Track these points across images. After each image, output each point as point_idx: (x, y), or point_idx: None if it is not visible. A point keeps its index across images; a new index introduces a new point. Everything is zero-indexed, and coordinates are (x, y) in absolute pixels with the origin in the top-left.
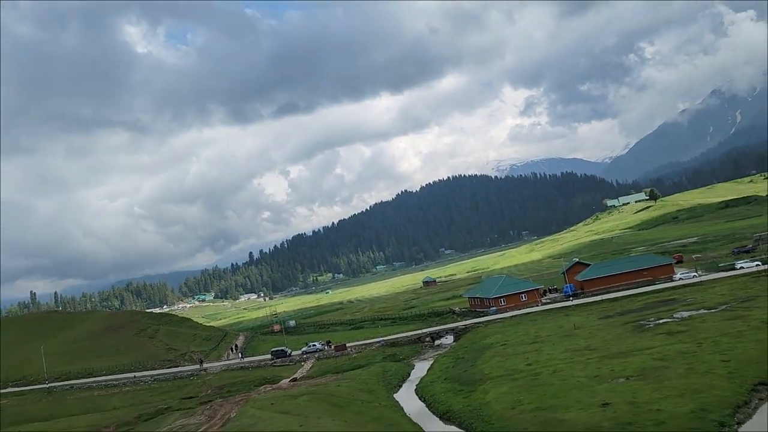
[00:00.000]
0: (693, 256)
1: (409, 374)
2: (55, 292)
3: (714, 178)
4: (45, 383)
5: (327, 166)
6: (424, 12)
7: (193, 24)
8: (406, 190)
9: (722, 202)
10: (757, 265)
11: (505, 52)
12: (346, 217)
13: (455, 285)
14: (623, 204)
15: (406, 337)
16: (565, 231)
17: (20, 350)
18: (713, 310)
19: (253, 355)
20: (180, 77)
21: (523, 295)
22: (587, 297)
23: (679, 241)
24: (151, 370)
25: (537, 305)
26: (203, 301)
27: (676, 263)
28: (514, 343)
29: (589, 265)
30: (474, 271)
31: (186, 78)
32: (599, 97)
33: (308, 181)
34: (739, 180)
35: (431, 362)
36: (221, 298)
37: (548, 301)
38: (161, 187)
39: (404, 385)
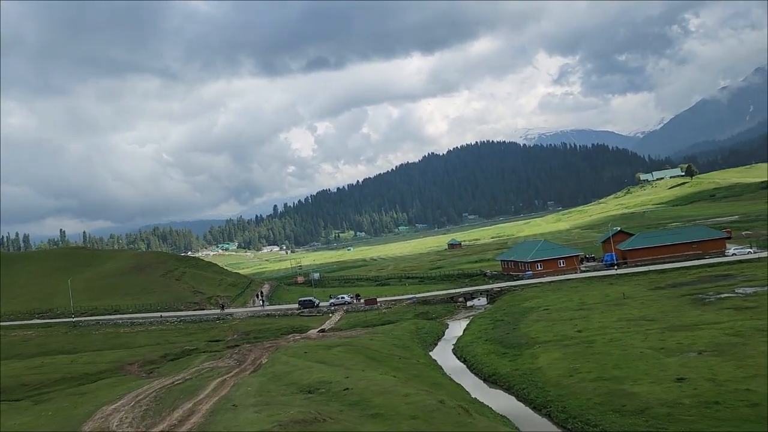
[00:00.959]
0: (743, 233)
1: (444, 333)
2: (84, 232)
3: (752, 159)
4: (71, 317)
5: (354, 124)
6: None
7: None
8: (432, 153)
9: (764, 182)
10: None
11: (543, 18)
12: (371, 176)
13: (481, 249)
14: (657, 179)
15: (438, 296)
16: (593, 203)
17: (47, 283)
18: None
19: (279, 304)
20: (212, 26)
21: (561, 261)
22: (630, 267)
23: (717, 219)
24: (177, 311)
25: (575, 272)
26: (227, 250)
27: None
28: (557, 309)
29: (631, 234)
30: (498, 236)
31: (217, 27)
32: (637, 69)
33: (334, 138)
34: None
35: (466, 323)
36: (244, 248)
37: (586, 269)
38: (189, 135)
39: (439, 344)
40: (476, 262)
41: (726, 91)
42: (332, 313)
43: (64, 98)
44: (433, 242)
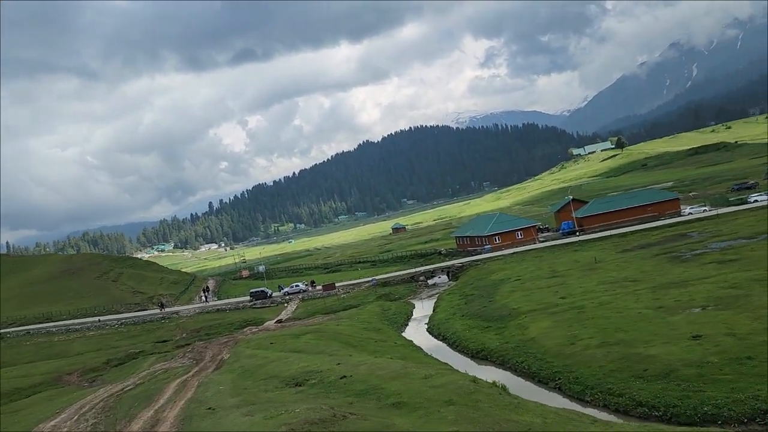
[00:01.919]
0: (690, 194)
1: (412, 313)
2: (7, 242)
3: (672, 130)
4: None
5: (285, 116)
6: None
7: None
8: (367, 141)
9: (691, 149)
10: None
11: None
12: (307, 168)
13: (427, 231)
14: (589, 153)
15: (398, 276)
16: (530, 180)
17: None
18: (754, 240)
19: (228, 298)
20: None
21: (519, 233)
22: (589, 234)
23: (652, 187)
24: (117, 314)
25: (534, 243)
26: (162, 251)
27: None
28: (530, 278)
29: (585, 202)
30: (441, 218)
31: (136, 22)
32: (559, 48)
33: (266, 132)
34: (701, 129)
35: (433, 301)
36: (181, 248)
37: (544, 239)
38: (114, 136)
39: (410, 324)
40: (426, 242)
41: (644, 67)
42: (287, 302)
43: None
44: (376, 229)
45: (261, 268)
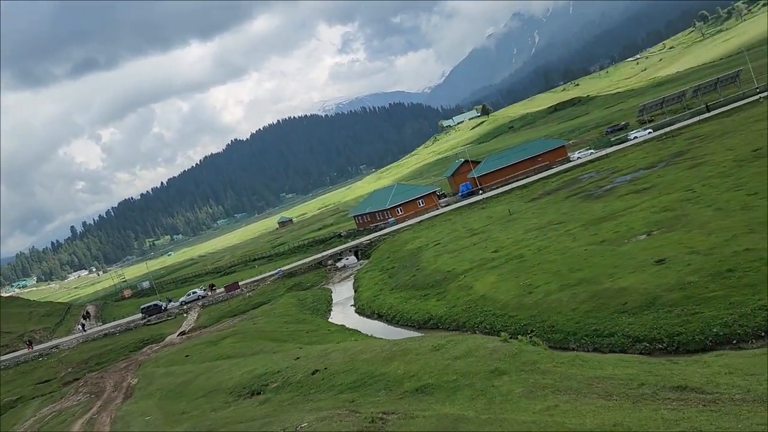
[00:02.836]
0: (570, 142)
1: (331, 298)
2: None
3: (527, 94)
4: None
5: (142, 125)
6: None
7: None
8: (236, 140)
9: (550, 107)
10: (649, 132)
11: None
12: (176, 175)
13: (316, 219)
14: (458, 123)
15: (305, 264)
16: (406, 156)
17: None
18: (655, 168)
19: (114, 321)
20: None
21: (420, 201)
22: (489, 192)
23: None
24: None
25: (437, 209)
26: (24, 287)
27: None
28: (449, 240)
29: (477, 162)
30: (326, 206)
31: None
32: (412, 28)
33: (124, 144)
34: (553, 90)
35: (349, 283)
36: (46, 280)
37: (446, 203)
38: None
39: (334, 309)
40: (320, 229)
41: (492, 38)
42: (186, 312)
43: None
44: (260, 227)
45: (145, 284)
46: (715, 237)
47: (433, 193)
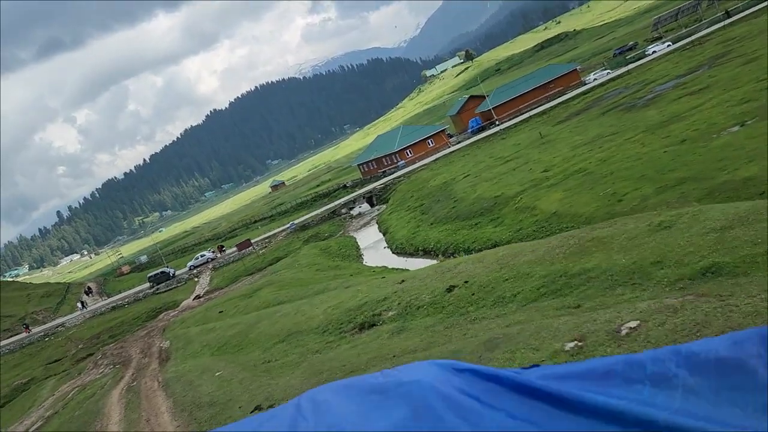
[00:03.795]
0: (577, 68)
1: (358, 245)
2: None
3: (507, 37)
4: None
5: (117, 103)
6: None
7: None
8: (215, 110)
9: (536, 45)
10: (668, 45)
11: None
12: (158, 151)
13: (310, 178)
14: (442, 71)
15: (316, 215)
16: (392, 110)
17: None
18: (697, 71)
19: (120, 293)
20: None
21: (429, 141)
22: (503, 123)
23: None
24: None
25: (448, 147)
26: (17, 276)
27: None
28: (480, 170)
29: (483, 97)
30: (316, 167)
31: None
32: None
33: (100, 124)
34: (533, 30)
35: (371, 229)
36: (38, 267)
37: (458, 141)
38: None
39: (366, 254)
40: (318, 186)
41: None
42: (197, 277)
43: None
44: (250, 194)
45: (143, 258)
46: None
47: (442, 131)
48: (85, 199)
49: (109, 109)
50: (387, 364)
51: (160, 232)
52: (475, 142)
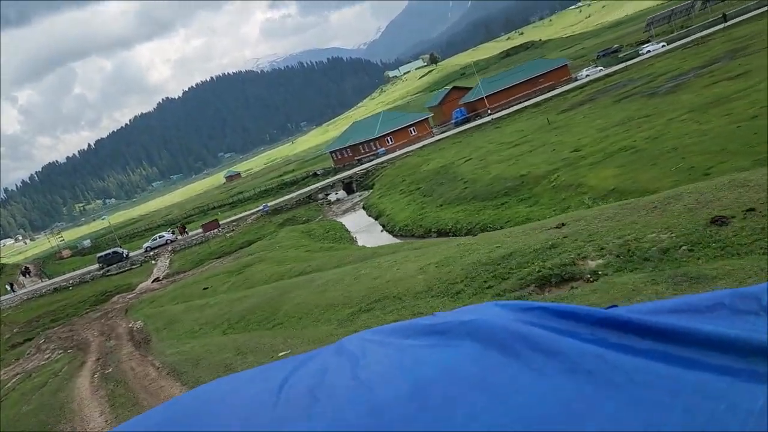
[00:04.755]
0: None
1: (346, 228)
2: None
3: (467, 46)
4: None
5: (62, 86)
6: None
7: None
8: (167, 98)
9: (502, 52)
10: (663, 46)
11: None
12: (104, 137)
13: (267, 171)
14: (405, 72)
15: (292, 199)
16: (352, 109)
17: None
18: (718, 62)
19: (62, 275)
20: None
21: (412, 129)
22: (493, 114)
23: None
24: None
25: (432, 136)
26: None
27: None
28: (484, 154)
29: (467, 88)
30: (272, 161)
31: None
32: None
33: (43, 106)
34: (496, 39)
35: (355, 215)
36: None
37: (442, 131)
38: None
39: (359, 237)
40: (279, 176)
41: None
42: (153, 260)
43: None
44: (203, 185)
45: (86, 243)
46: None
47: (426, 119)
48: (23, 181)
49: (53, 90)
50: None
51: (103, 219)
52: (463, 131)
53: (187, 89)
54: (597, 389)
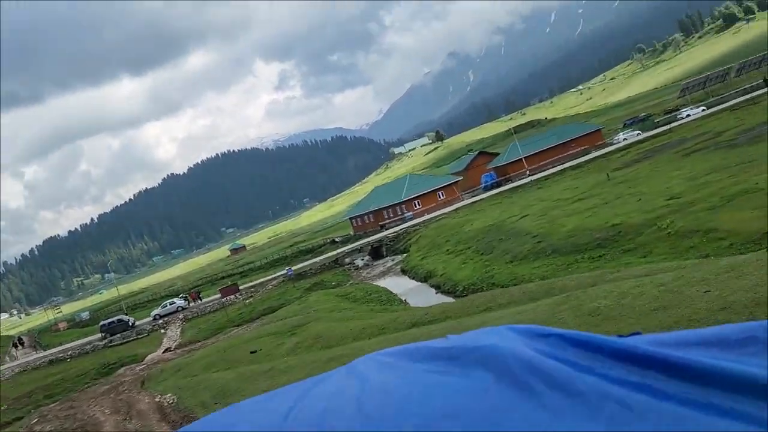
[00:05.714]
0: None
1: (390, 290)
2: None
3: (469, 127)
4: None
5: (69, 162)
6: None
7: None
8: (172, 174)
9: (507, 130)
10: (703, 110)
11: (253, 25)
12: (107, 211)
13: (273, 243)
14: (410, 149)
15: (317, 263)
16: (358, 185)
17: None
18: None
19: (59, 346)
20: None
21: (440, 193)
22: (524, 178)
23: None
24: None
25: (461, 200)
26: None
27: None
28: (540, 210)
29: (494, 154)
30: (276, 235)
31: None
32: (350, 66)
33: (49, 182)
34: (498, 120)
35: (391, 278)
36: None
37: (468, 197)
38: None
39: (410, 299)
40: (290, 246)
41: (430, 76)
42: (163, 328)
43: None
44: (205, 259)
45: (84, 315)
46: None
47: (454, 183)
48: (23, 255)
49: (59, 167)
50: None
51: (100, 293)
52: (499, 193)
53: (192, 165)
54: None
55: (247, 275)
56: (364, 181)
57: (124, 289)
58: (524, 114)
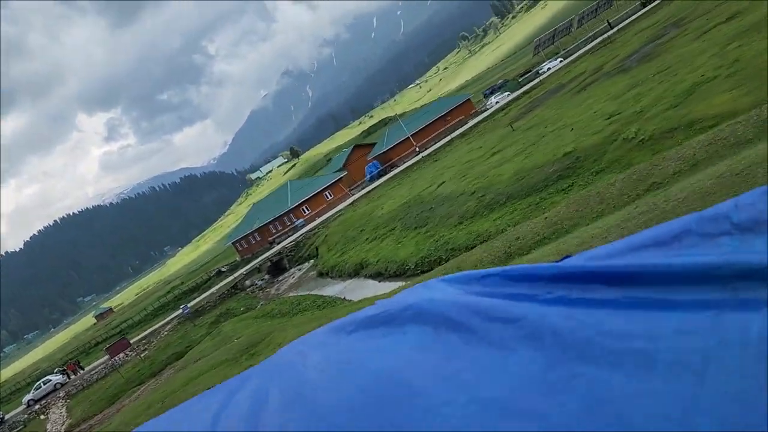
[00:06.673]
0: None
1: (319, 294)
2: None
3: (320, 140)
4: None
5: None
6: None
7: None
8: (6, 252)
9: (362, 132)
10: (561, 61)
11: (66, 77)
12: None
13: (143, 297)
14: (268, 172)
15: (213, 295)
16: (221, 218)
17: None
18: (659, 41)
19: None
20: None
21: (327, 193)
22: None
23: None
24: None
25: (350, 196)
26: None
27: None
28: (457, 173)
29: (371, 145)
30: (145, 289)
31: None
32: (182, 102)
33: None
34: (348, 127)
35: (309, 283)
36: None
37: (357, 190)
38: None
39: (348, 294)
40: (168, 292)
41: (268, 98)
42: (42, 413)
43: None
44: (67, 335)
45: None
46: None
47: (339, 180)
48: None
49: None
50: None
51: None
52: (392, 177)
53: (28, 239)
54: (566, 351)
55: (126, 333)
56: (226, 213)
57: None
58: (372, 117)
